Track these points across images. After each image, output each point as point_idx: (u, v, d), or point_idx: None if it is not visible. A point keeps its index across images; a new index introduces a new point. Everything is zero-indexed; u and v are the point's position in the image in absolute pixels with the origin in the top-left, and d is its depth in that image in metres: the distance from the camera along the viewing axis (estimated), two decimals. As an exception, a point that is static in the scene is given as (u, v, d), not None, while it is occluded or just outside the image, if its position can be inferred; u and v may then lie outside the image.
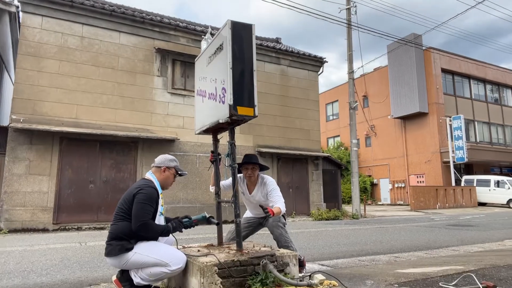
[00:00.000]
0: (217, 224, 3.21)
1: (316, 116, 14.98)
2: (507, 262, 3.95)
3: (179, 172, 3.13)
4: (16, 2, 9.88)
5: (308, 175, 14.29)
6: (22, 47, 9.77)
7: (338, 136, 30.00)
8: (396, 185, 24.68)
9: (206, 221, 3.09)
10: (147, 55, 11.55)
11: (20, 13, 10.09)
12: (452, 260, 4.48)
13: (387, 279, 3.22)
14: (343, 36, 19.03)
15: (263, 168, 3.73)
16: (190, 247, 3.38)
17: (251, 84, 2.96)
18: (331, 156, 15.89)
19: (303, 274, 3.35)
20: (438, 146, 22.60)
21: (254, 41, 3.03)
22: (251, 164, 3.63)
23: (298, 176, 14.03)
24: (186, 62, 12.09)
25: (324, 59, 15.34)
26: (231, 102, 2.83)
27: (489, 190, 20.96)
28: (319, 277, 2.97)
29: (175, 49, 11.91)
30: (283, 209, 3.41)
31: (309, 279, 2.97)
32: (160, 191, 2.92)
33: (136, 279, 2.76)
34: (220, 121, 3.01)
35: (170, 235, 2.93)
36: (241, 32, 2.96)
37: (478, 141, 24.60)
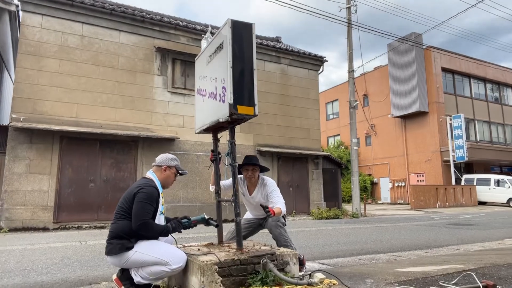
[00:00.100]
0: (217, 226, 3.22)
1: (316, 115, 14.98)
2: (507, 261, 3.95)
3: (179, 171, 3.13)
4: (16, 1, 9.87)
5: (308, 174, 14.29)
6: (22, 46, 9.77)
7: (338, 135, 30.00)
8: (396, 184, 24.69)
9: (205, 222, 3.09)
10: (147, 54, 11.54)
11: (20, 12, 10.08)
12: (452, 259, 4.48)
13: (387, 278, 3.22)
14: (343, 35, 19.01)
15: (263, 170, 3.73)
16: (190, 246, 3.39)
17: (251, 83, 2.96)
18: (331, 155, 15.89)
19: (303, 273, 3.36)
20: (438, 145, 22.60)
21: (254, 40, 3.03)
22: (251, 166, 3.64)
23: (298, 175, 14.03)
24: (186, 61, 12.09)
25: (324, 58, 15.33)
26: (231, 101, 2.83)
27: (489, 189, 20.96)
28: (319, 276, 2.97)
29: (175, 48, 11.90)
30: (284, 210, 3.43)
31: (309, 278, 2.97)
32: (160, 190, 2.93)
33: (137, 278, 2.77)
34: (220, 120, 3.02)
35: (170, 235, 2.94)
36: (241, 31, 2.96)
37: (478, 140, 24.60)
